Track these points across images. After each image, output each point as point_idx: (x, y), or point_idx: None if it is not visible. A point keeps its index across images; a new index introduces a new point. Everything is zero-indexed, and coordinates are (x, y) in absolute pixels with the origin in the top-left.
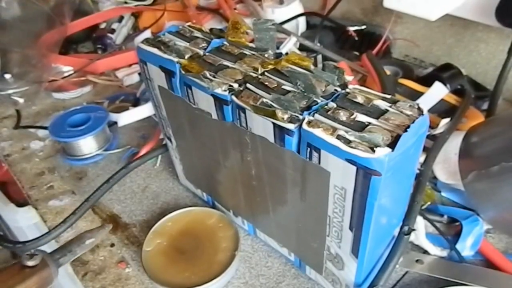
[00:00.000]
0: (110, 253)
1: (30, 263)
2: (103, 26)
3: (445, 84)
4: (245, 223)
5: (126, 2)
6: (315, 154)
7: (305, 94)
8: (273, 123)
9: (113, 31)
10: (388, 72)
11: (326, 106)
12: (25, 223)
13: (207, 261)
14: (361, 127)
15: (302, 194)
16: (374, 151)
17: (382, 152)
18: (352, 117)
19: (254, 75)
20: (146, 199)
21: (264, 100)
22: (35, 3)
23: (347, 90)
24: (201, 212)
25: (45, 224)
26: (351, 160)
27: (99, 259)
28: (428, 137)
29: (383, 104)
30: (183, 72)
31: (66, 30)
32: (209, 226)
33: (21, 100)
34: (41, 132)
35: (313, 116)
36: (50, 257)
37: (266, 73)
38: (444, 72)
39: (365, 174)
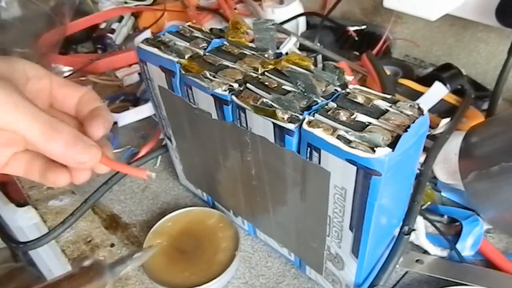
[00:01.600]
0: (110, 253)
1: (91, 270)
2: (103, 26)
3: (445, 84)
4: (245, 223)
5: (126, 2)
6: (315, 154)
7: (305, 94)
8: (273, 123)
9: (113, 31)
10: (388, 72)
11: (326, 106)
12: (25, 223)
13: (207, 261)
14: (361, 127)
15: (302, 194)
16: (374, 151)
17: (382, 152)
18: (352, 117)
19: (254, 75)
20: (146, 199)
21: (264, 100)
22: (35, 3)
23: (347, 90)
24: (201, 212)
25: (45, 224)
26: (351, 160)
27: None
28: (428, 137)
29: (383, 104)
30: (183, 72)
31: (66, 30)
32: (209, 226)
33: None
34: None
35: (313, 116)
36: (107, 267)
37: (266, 73)
38: (444, 72)
39: (365, 174)
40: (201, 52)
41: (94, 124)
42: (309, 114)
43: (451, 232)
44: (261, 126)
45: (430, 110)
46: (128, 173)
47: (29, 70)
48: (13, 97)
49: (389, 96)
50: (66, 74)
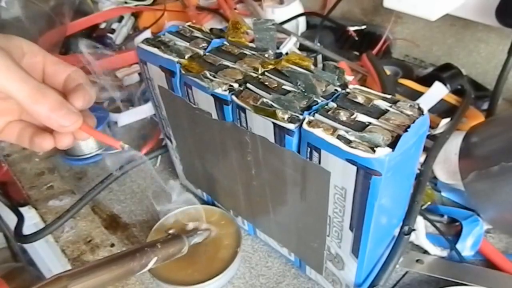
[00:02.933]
0: (110, 253)
1: (174, 237)
2: (103, 26)
3: (445, 84)
4: (245, 223)
5: (126, 2)
6: (315, 154)
7: (306, 94)
8: (273, 123)
9: (113, 31)
10: (388, 72)
11: (326, 106)
12: (25, 223)
13: (209, 259)
14: (361, 127)
15: (302, 194)
16: (374, 151)
17: (383, 152)
18: (353, 117)
19: (254, 75)
20: (146, 199)
21: (265, 100)
22: (35, 3)
23: (347, 90)
24: (202, 210)
25: (45, 224)
26: (351, 160)
27: None
28: (428, 137)
29: (383, 104)
30: (183, 72)
31: (66, 30)
32: (211, 223)
33: None
34: None
35: (313, 116)
36: (184, 236)
37: (266, 73)
38: (444, 72)
39: (365, 174)
40: (201, 52)
41: (75, 96)
42: (309, 114)
43: (451, 232)
44: (261, 126)
45: (430, 110)
46: (103, 141)
47: (25, 46)
48: (6, 62)
49: (389, 96)
50: None
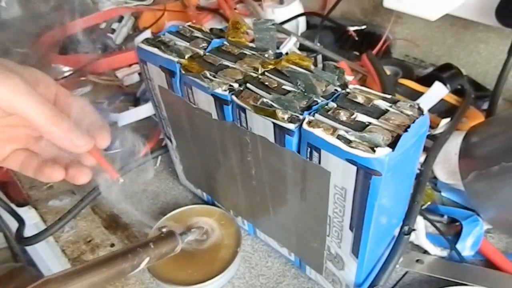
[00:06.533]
0: None
1: (167, 235)
2: (103, 26)
3: (445, 84)
4: (245, 223)
5: (126, 2)
6: (315, 154)
7: (306, 94)
8: (273, 123)
9: (113, 31)
10: (388, 72)
11: (326, 106)
12: (25, 225)
13: (209, 258)
14: (361, 127)
15: (302, 194)
16: (374, 151)
17: (383, 152)
18: (353, 117)
19: (254, 75)
20: (146, 199)
21: (265, 100)
22: (35, 3)
23: (347, 90)
24: (202, 209)
25: (45, 224)
26: (351, 160)
27: None
28: (428, 137)
29: (383, 104)
30: (183, 72)
31: (66, 30)
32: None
33: None
34: None
35: (313, 116)
36: (177, 234)
37: (266, 73)
38: (444, 72)
39: (365, 174)
40: (201, 52)
41: (101, 136)
42: (309, 114)
43: (451, 232)
44: (261, 126)
45: (430, 110)
46: (105, 168)
47: (40, 77)
48: (26, 87)
49: (389, 96)
50: (66, 74)
